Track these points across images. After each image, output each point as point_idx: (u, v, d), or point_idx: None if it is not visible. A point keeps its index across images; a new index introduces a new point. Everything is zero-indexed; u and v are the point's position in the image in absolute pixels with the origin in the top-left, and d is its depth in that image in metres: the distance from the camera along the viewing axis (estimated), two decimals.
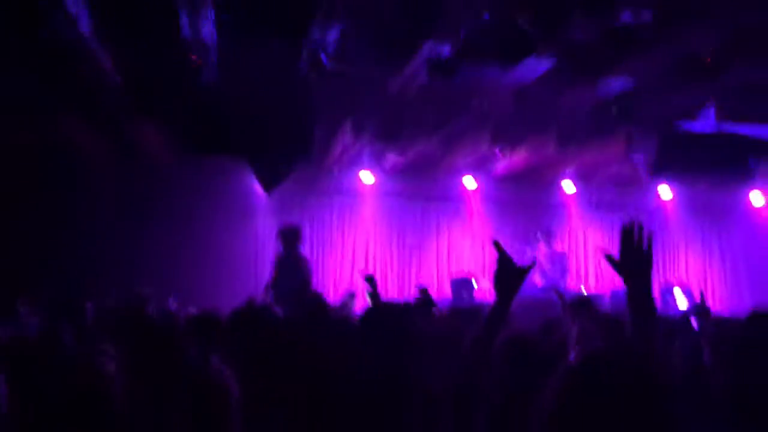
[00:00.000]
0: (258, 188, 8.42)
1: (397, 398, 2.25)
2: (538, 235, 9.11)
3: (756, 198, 10.27)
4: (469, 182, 9.64)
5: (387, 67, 5.40)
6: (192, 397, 2.28)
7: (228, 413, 2.34)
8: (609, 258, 2.02)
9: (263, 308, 3.06)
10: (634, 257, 1.94)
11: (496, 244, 2.11)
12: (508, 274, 2.04)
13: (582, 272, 10.28)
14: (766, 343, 1.96)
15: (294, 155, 6.17)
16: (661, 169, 6.96)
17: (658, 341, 2.02)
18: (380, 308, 2.83)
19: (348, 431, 2.18)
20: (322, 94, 5.97)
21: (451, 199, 9.85)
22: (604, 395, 1.40)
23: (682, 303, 8.17)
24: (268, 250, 9.15)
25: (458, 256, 9.99)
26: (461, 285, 8.29)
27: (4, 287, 5.22)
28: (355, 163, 8.85)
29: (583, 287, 9.57)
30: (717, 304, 9.65)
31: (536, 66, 5.07)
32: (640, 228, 1.97)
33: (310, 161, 8.41)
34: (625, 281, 1.94)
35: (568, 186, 9.91)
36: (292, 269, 6.88)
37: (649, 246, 1.96)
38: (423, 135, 7.33)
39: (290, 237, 7.00)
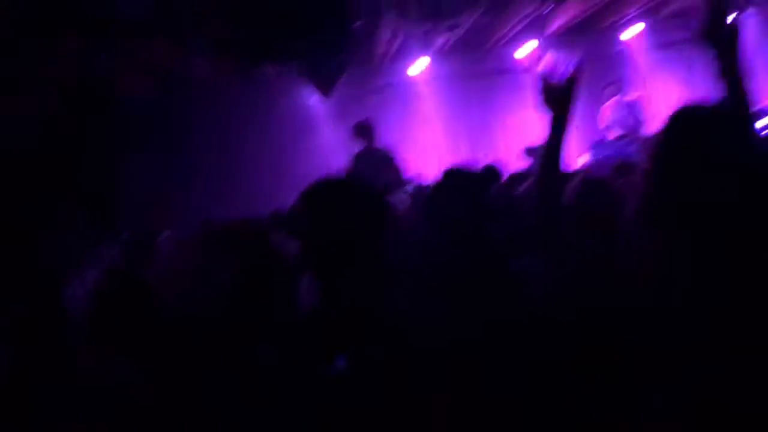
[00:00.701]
0: (314, 98, 8.38)
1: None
2: (608, 86, 8.75)
3: None
4: (529, 47, 9.22)
5: None
6: None
7: None
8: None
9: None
10: (723, 31, 1.83)
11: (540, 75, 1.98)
12: (554, 90, 1.93)
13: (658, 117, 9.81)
14: None
15: (342, 50, 6.02)
16: None
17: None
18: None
19: None
20: None
21: (512, 71, 9.50)
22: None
23: None
24: (337, 158, 9.23)
25: (529, 128, 9.73)
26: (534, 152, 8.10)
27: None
28: (407, 52, 8.61)
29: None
30: None
31: None
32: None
33: (361, 58, 8.27)
34: (717, 54, 1.85)
35: (634, 28, 9.34)
36: (376, 162, 6.94)
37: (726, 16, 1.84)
38: (467, 4, 6.99)
39: (368, 131, 7.03)
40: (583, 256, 2.34)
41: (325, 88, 6.73)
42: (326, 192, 1.81)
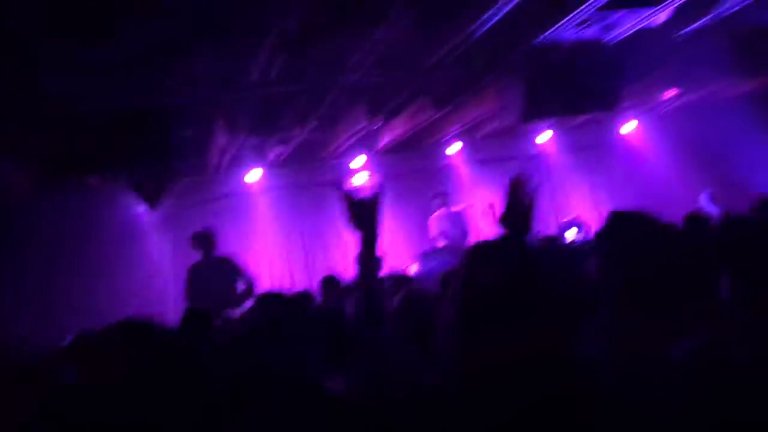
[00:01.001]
0: (141, 208, 8.09)
1: None
2: (434, 198, 9.29)
3: (626, 127, 10.91)
4: (359, 161, 9.64)
5: (240, 54, 5.25)
6: None
7: None
8: (498, 214, 2.05)
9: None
10: (518, 211, 1.99)
11: (340, 189, 2.09)
12: (361, 208, 2.03)
13: (481, 228, 10.52)
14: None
15: (167, 163, 5.92)
16: (533, 115, 7.16)
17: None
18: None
19: None
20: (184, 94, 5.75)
21: (343, 180, 9.82)
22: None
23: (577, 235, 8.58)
24: (166, 265, 8.88)
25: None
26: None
27: None
28: (240, 162, 8.64)
29: None
30: None
31: (391, 29, 5.06)
32: (526, 182, 2.02)
33: (193, 168, 8.18)
34: (507, 232, 2.00)
35: (455, 146, 10.11)
36: (215, 273, 6.81)
37: (532, 200, 2.01)
38: (298, 121, 7.22)
39: (206, 241, 6.92)
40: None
41: (151, 199, 6.53)
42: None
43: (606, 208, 10.71)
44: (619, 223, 2.08)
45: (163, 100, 5.45)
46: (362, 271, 2.04)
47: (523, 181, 1.98)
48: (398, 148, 9.56)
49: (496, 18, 5.32)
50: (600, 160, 11.11)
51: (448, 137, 9.83)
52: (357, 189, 2.06)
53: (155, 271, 8.93)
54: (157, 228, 8.84)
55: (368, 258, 2.04)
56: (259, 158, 8.44)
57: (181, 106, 5.59)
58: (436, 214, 9.17)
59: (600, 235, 2.11)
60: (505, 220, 1.99)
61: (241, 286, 7.02)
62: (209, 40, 5.05)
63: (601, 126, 10.81)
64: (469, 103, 7.94)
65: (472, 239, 9.41)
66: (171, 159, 5.71)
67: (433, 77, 6.69)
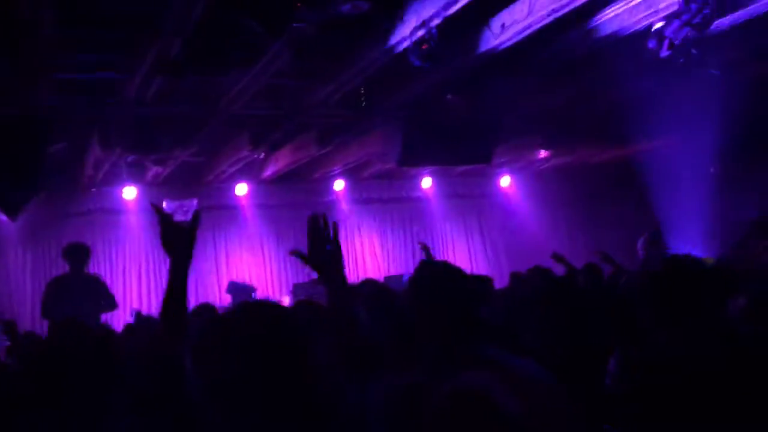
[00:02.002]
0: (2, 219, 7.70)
1: None
2: None
3: (504, 180, 11.53)
4: (241, 189, 9.62)
5: (120, 69, 5.20)
6: None
7: None
8: (298, 254, 2.15)
9: None
10: (323, 250, 2.06)
11: (156, 209, 2.11)
12: (174, 233, 2.06)
13: (359, 265, 10.71)
14: None
15: (31, 177, 5.69)
16: (410, 161, 7.47)
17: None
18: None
19: None
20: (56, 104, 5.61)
21: (224, 206, 9.75)
22: None
23: None
24: (24, 279, 8.47)
25: (237, 262, 9.94)
26: (239, 290, 8.28)
27: None
28: (116, 179, 8.39)
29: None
30: None
31: (272, 63, 5.19)
32: (325, 220, 2.09)
33: (63, 182, 7.88)
34: (318, 273, 2.08)
35: (339, 184, 10.29)
36: (81, 289, 6.51)
37: (335, 237, 2.08)
38: (177, 143, 7.14)
39: (78, 255, 6.62)
40: None
41: (12, 212, 6.23)
42: None
43: (479, 256, 11.23)
44: (426, 271, 2.25)
45: (30, 110, 5.28)
46: (172, 296, 2.05)
47: (324, 220, 2.07)
48: (283, 179, 9.64)
49: (378, 64, 5.57)
50: (478, 208, 11.65)
51: (333, 174, 10.00)
52: (174, 211, 2.09)
53: (15, 283, 8.49)
54: (20, 239, 8.44)
55: (179, 284, 2.06)
56: (137, 176, 8.24)
57: (51, 118, 5.42)
58: None
59: (411, 279, 2.29)
60: (311, 260, 2.09)
61: (104, 307, 6.79)
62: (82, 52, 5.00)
63: (481, 177, 11.37)
64: (352, 143, 8.17)
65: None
66: (37, 171, 5.49)
67: (317, 114, 6.86)
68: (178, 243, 2.06)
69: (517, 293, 4.71)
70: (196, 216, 2.11)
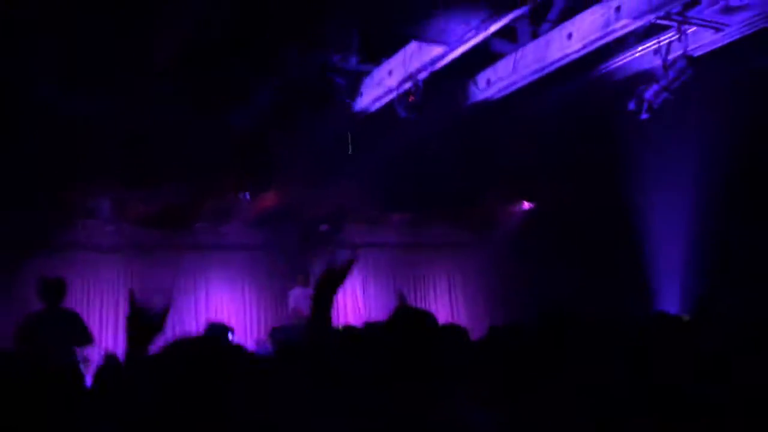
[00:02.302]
0: None
1: None
2: (298, 275, 9.35)
3: (488, 228, 11.58)
4: (225, 229, 9.61)
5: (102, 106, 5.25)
6: None
7: None
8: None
9: None
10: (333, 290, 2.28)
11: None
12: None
13: (340, 310, 10.65)
14: None
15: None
16: (392, 208, 7.54)
17: None
18: None
19: None
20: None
21: (207, 246, 9.71)
22: None
23: None
24: None
25: (217, 302, 9.86)
26: (216, 329, 8.17)
27: None
28: (99, 213, 8.36)
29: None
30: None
31: (257, 110, 5.28)
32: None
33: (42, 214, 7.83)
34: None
35: (323, 227, 10.30)
36: (57, 325, 6.38)
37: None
38: (165, 183, 7.18)
39: (55, 290, 6.49)
40: None
41: None
42: None
43: (460, 305, 11.22)
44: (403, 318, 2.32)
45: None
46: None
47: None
48: (267, 220, 9.64)
49: (362, 115, 5.67)
50: (461, 256, 11.67)
51: (317, 217, 10.03)
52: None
53: None
54: None
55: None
56: (119, 212, 8.22)
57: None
58: (295, 290, 9.23)
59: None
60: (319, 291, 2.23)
61: (79, 344, 6.66)
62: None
63: (465, 225, 11.40)
64: (333, 189, 8.23)
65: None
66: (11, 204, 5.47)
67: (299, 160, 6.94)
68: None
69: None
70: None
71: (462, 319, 11.12)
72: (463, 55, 5.12)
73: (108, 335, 8.99)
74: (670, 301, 9.05)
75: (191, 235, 9.41)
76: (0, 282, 8.05)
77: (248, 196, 8.45)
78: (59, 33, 4.18)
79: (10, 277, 7.85)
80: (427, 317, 2.22)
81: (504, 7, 4.61)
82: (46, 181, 6.74)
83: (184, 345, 1.46)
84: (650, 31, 5.28)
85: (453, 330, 4.42)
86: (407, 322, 2.23)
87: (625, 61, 5.53)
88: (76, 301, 8.62)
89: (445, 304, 11.25)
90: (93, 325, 8.69)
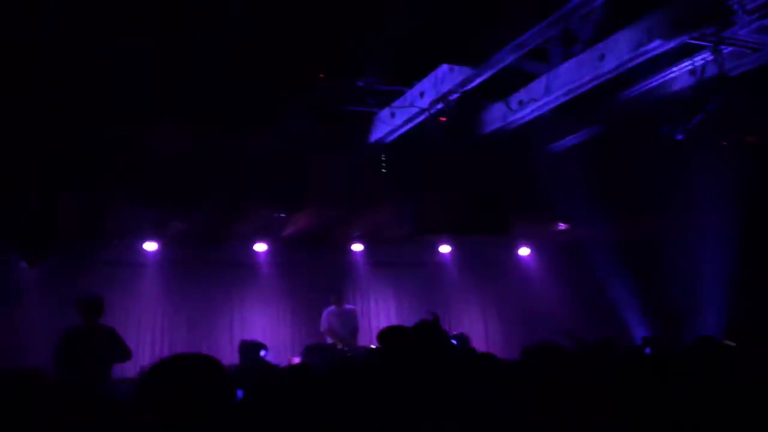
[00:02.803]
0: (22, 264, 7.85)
1: None
2: (330, 294, 9.39)
3: (523, 251, 11.50)
4: (259, 247, 9.73)
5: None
6: None
7: None
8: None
9: None
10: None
11: None
12: None
13: (373, 329, 10.64)
14: None
15: (54, 225, 5.86)
16: (425, 229, 7.54)
17: None
18: None
19: None
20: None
21: (241, 264, 9.84)
22: None
23: None
24: (40, 326, 8.51)
25: (251, 320, 9.96)
26: (248, 347, 8.23)
27: None
28: (138, 233, 8.57)
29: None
30: (494, 348, 10.47)
31: (291, 131, 5.37)
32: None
33: (87, 231, 8.05)
34: None
35: (356, 246, 10.36)
36: (95, 342, 6.53)
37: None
38: (202, 202, 7.32)
39: (91, 307, 6.65)
40: None
41: (31, 258, 6.38)
42: None
43: (494, 326, 11.11)
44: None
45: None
46: None
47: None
48: (302, 240, 9.74)
49: (393, 136, 5.72)
50: (494, 277, 11.58)
51: (352, 236, 10.09)
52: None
53: (32, 330, 8.55)
54: (39, 287, 8.54)
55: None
56: (157, 231, 8.41)
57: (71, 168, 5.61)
58: (328, 309, 9.26)
59: None
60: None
61: (118, 360, 6.80)
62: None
63: (500, 246, 11.33)
64: (368, 209, 8.27)
65: (360, 339, 9.51)
66: (56, 220, 5.65)
67: (334, 180, 7.00)
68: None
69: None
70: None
71: (497, 338, 11.07)
72: (495, 76, 5.14)
73: (145, 351, 9.14)
74: (711, 325, 8.83)
75: (226, 252, 9.56)
76: (48, 298, 8.26)
77: (284, 216, 8.54)
78: None
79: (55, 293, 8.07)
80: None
81: (536, 30, 4.61)
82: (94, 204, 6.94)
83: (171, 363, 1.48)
84: (686, 52, 5.24)
85: (487, 359, 4.43)
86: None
87: (659, 81, 5.48)
88: (114, 318, 8.83)
89: (479, 325, 11.16)
90: (130, 341, 8.89)
